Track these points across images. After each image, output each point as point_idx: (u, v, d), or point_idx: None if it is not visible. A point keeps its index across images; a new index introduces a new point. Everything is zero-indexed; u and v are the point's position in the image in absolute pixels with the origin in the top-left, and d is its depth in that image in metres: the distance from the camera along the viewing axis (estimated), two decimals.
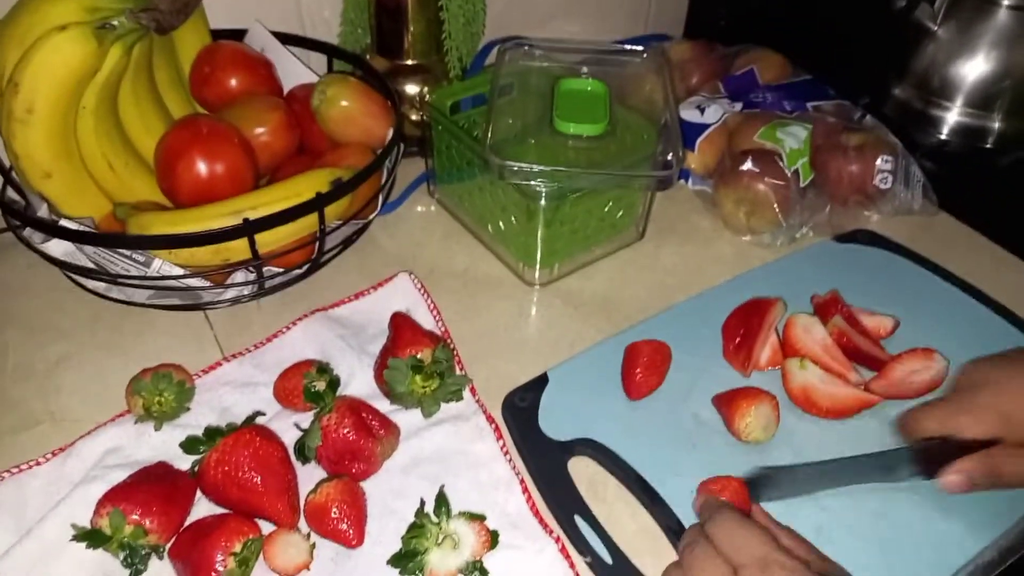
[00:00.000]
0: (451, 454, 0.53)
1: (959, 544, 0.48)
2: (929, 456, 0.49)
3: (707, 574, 0.41)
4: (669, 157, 0.62)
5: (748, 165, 0.69)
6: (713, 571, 0.41)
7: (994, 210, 0.75)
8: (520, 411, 0.55)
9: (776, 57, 0.84)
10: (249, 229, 0.53)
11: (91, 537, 0.44)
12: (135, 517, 0.45)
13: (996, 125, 0.86)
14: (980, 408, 0.48)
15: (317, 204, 0.55)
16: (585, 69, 0.71)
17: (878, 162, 0.71)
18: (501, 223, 0.67)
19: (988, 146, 0.86)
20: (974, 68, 0.86)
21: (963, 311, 0.64)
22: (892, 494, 0.50)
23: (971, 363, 0.52)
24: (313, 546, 0.47)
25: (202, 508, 0.49)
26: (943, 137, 0.88)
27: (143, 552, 0.45)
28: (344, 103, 0.65)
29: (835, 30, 0.91)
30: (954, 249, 0.71)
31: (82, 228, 0.54)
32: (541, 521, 0.49)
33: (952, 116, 0.88)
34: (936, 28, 0.87)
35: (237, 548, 0.44)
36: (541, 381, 0.57)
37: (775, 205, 0.68)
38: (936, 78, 0.89)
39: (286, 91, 0.71)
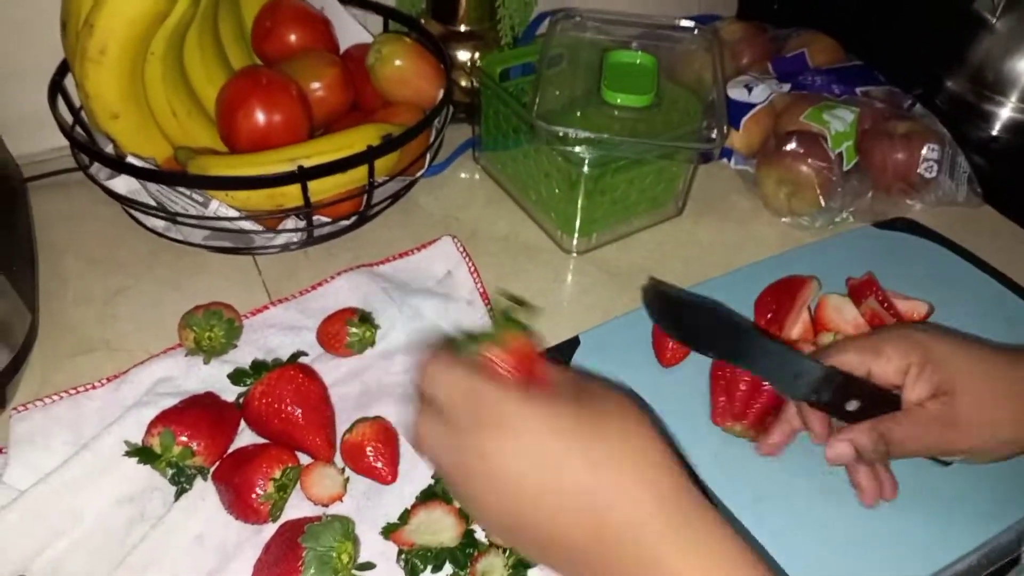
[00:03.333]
0: None
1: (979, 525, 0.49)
2: (833, 380, 0.46)
3: (429, 439, 0.36)
4: (713, 133, 0.63)
5: (792, 145, 0.69)
6: (433, 431, 0.36)
7: None
8: None
9: (828, 41, 0.84)
10: (303, 176, 0.56)
11: (142, 454, 0.47)
12: (183, 439, 0.47)
13: None
14: (905, 342, 0.46)
15: (368, 157, 0.58)
16: (635, 43, 0.71)
17: (924, 151, 0.71)
18: (543, 190, 0.69)
19: None
20: None
21: (999, 302, 0.64)
22: (911, 477, 0.50)
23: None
24: (347, 480, 0.49)
25: (245, 438, 0.51)
26: (994, 133, 0.87)
27: (189, 472, 0.48)
28: (398, 62, 0.67)
29: (890, 18, 0.90)
30: (996, 243, 0.70)
31: (147, 166, 0.57)
32: None
33: (1005, 112, 0.87)
34: (995, 21, 0.86)
35: (276, 474, 0.46)
36: (573, 343, 0.59)
37: (817, 187, 0.68)
38: (991, 72, 0.88)
39: (343, 49, 0.73)
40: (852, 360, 0.47)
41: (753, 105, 0.75)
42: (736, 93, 0.76)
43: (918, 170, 0.71)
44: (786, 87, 0.77)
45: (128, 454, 0.47)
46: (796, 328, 0.58)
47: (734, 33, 0.86)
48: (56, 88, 0.63)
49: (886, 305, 0.60)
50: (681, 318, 0.49)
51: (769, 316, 0.60)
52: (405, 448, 0.51)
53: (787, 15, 0.94)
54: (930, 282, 0.64)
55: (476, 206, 0.73)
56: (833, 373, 0.46)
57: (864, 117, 0.72)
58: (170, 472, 0.48)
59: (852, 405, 0.47)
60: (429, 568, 0.45)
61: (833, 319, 0.59)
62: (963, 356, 0.46)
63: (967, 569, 0.48)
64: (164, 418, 0.48)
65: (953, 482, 0.51)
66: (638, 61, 0.69)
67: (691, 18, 0.74)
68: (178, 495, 0.48)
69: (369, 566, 0.45)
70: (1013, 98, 0.87)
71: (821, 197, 0.69)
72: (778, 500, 0.50)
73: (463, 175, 0.77)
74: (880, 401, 0.47)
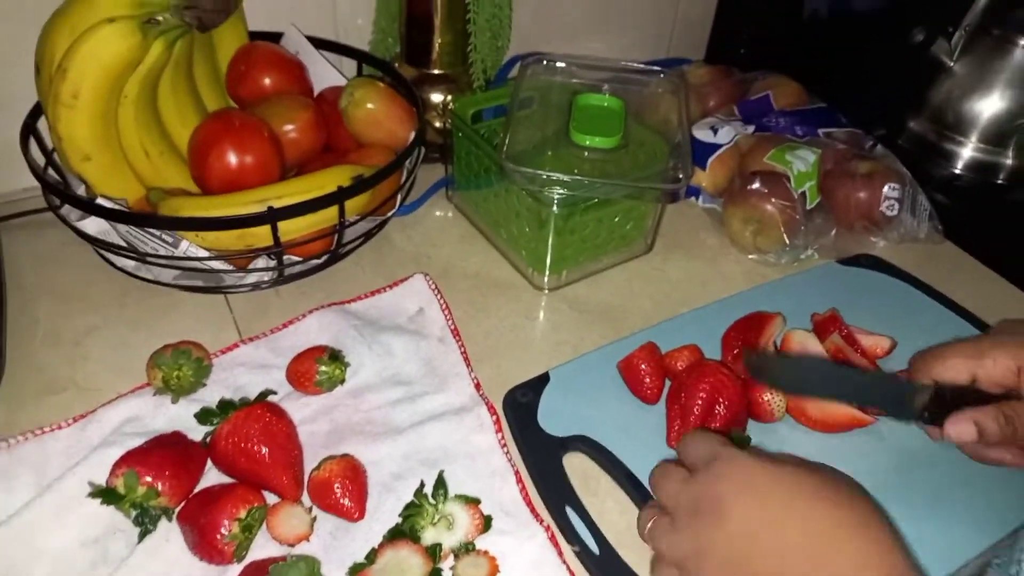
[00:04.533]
0: (452, 443, 0.55)
1: (942, 559, 0.49)
2: (942, 399, 0.47)
3: (667, 482, 0.44)
4: (679, 173, 0.65)
5: (756, 185, 0.71)
6: (672, 478, 0.44)
7: (1000, 243, 0.77)
8: (521, 406, 0.57)
9: (793, 85, 0.86)
10: (273, 217, 0.56)
11: (106, 495, 0.47)
12: (148, 479, 0.47)
13: (1009, 161, 0.88)
14: (1007, 350, 0.46)
15: (338, 197, 0.58)
16: (605, 87, 0.73)
17: (885, 189, 0.73)
18: (515, 228, 0.70)
19: (999, 181, 0.88)
20: (989, 105, 0.87)
21: (959, 335, 0.64)
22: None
23: (1005, 320, 0.51)
24: (314, 519, 0.49)
25: (211, 478, 0.51)
26: (956, 171, 0.90)
27: (153, 512, 0.48)
28: (370, 105, 0.68)
29: (853, 62, 0.93)
30: (957, 278, 0.72)
31: (117, 207, 0.57)
32: (533, 510, 0.51)
33: (966, 151, 0.90)
34: (952, 64, 0.89)
35: (242, 515, 0.46)
36: (543, 379, 0.59)
37: (781, 225, 0.70)
38: (951, 113, 0.91)
39: (316, 92, 0.74)
40: (957, 366, 0.48)
41: (719, 146, 0.77)
42: (702, 134, 0.78)
43: (880, 208, 0.73)
44: (751, 128, 0.79)
45: (92, 495, 0.47)
46: None
47: (701, 77, 0.89)
48: (28, 130, 0.63)
49: (849, 340, 0.61)
50: (785, 372, 0.51)
51: (736, 351, 0.60)
52: (373, 488, 0.51)
53: (753, 59, 0.96)
54: (893, 317, 0.65)
55: (449, 244, 0.74)
56: (939, 391, 0.47)
57: (826, 157, 0.74)
58: (134, 513, 0.47)
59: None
60: None
61: (798, 354, 0.59)
62: None
63: None
64: (129, 459, 0.48)
65: (912, 516, 0.51)
66: (606, 104, 0.71)
67: (660, 62, 0.76)
68: (142, 536, 0.47)
69: None
70: (973, 137, 0.89)
71: (785, 235, 0.70)
72: None
73: (437, 213, 0.78)
74: (990, 401, 0.47)
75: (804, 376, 0.50)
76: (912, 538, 0.49)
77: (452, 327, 0.64)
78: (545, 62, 0.75)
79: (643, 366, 0.57)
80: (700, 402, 0.53)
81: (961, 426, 0.46)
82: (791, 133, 0.79)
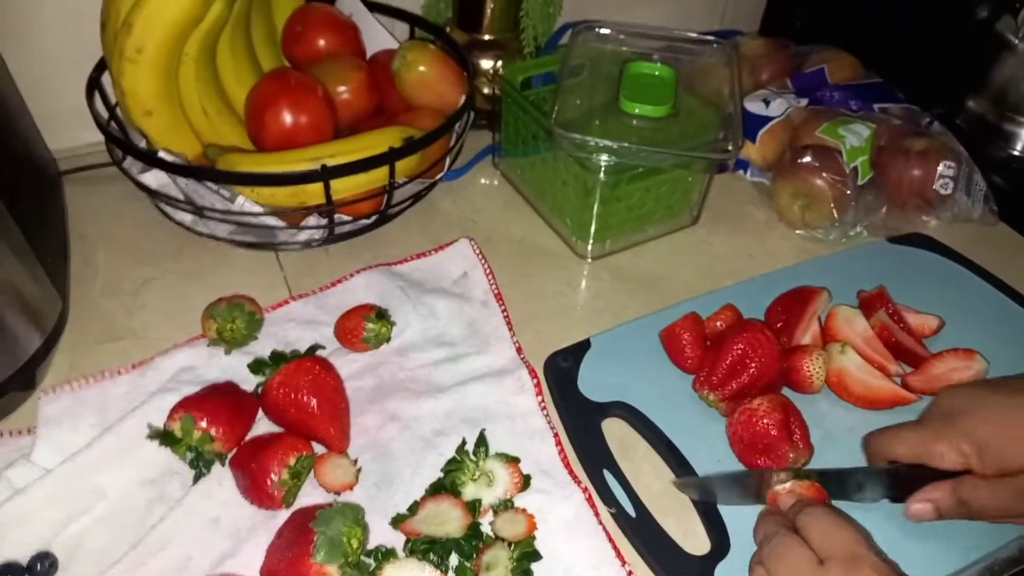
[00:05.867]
0: (492, 403, 0.56)
1: (978, 540, 0.49)
2: (898, 480, 0.48)
3: (793, 562, 0.42)
4: (728, 144, 0.64)
5: (807, 159, 0.70)
6: (798, 559, 0.42)
7: None
8: (561, 371, 0.58)
9: (848, 59, 0.84)
10: (326, 175, 0.57)
11: (164, 437, 0.49)
12: (203, 424, 0.49)
13: None
14: (955, 436, 0.46)
15: (389, 158, 0.59)
16: (655, 56, 0.73)
17: (940, 167, 0.71)
18: (560, 196, 0.70)
19: None
20: None
21: (1011, 319, 0.64)
22: (865, 514, 0.49)
23: (948, 389, 0.50)
24: (359, 470, 0.50)
25: (262, 427, 0.53)
26: (1015, 152, 0.87)
27: (208, 456, 0.50)
28: (422, 68, 0.68)
29: (912, 37, 0.90)
30: (1011, 261, 0.71)
31: (178, 161, 0.59)
32: (571, 471, 0.52)
33: None
34: (1017, 42, 0.86)
35: (291, 462, 0.48)
36: (583, 346, 0.60)
37: (831, 200, 0.69)
38: (1013, 93, 0.88)
39: (369, 54, 0.75)
40: (906, 456, 0.48)
41: (770, 118, 0.76)
42: (754, 106, 0.77)
43: (934, 186, 0.72)
44: (804, 102, 0.78)
45: (150, 437, 0.49)
46: (805, 339, 0.59)
47: (755, 49, 0.87)
48: (94, 85, 0.65)
49: (896, 318, 0.60)
50: (718, 491, 0.51)
51: (779, 325, 0.60)
52: (416, 443, 0.52)
53: (809, 32, 0.94)
54: (942, 298, 0.64)
55: (494, 210, 0.75)
56: (893, 473, 0.48)
57: (881, 133, 0.73)
58: (189, 456, 0.49)
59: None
60: (435, 557, 0.46)
61: (843, 330, 0.59)
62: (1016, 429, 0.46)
63: None
64: (185, 404, 0.50)
65: None
66: (657, 73, 0.70)
67: (713, 33, 0.75)
68: (196, 479, 0.50)
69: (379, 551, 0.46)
70: None
71: (835, 210, 0.69)
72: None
73: (482, 180, 0.79)
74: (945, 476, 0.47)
75: (735, 489, 0.50)
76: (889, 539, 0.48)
77: (495, 291, 0.64)
78: (596, 30, 0.75)
79: (685, 335, 0.57)
80: (733, 356, 0.54)
81: (919, 508, 0.47)
82: (845, 107, 0.77)
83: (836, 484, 0.49)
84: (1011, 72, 0.88)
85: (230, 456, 0.50)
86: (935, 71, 0.91)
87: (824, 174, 0.69)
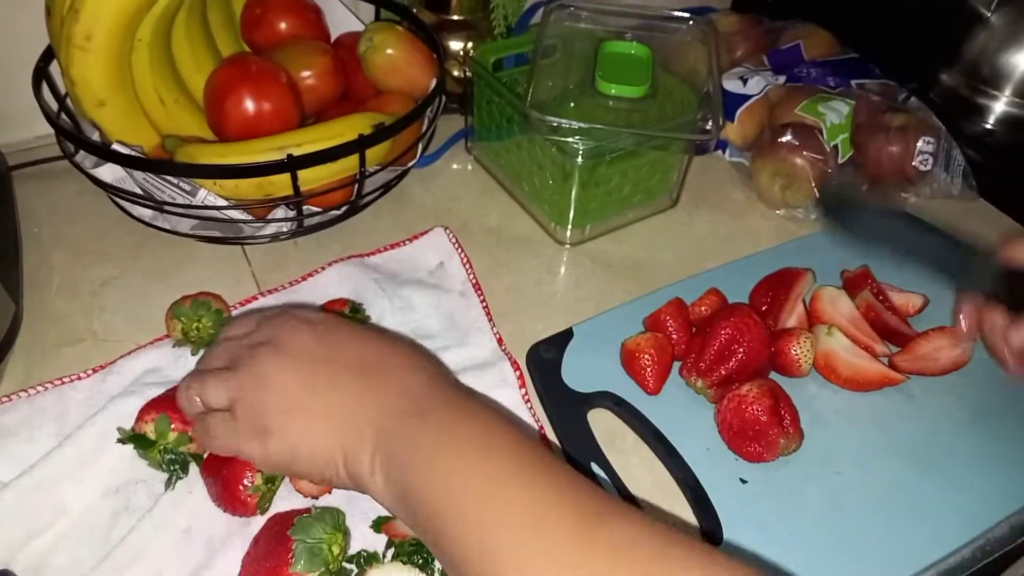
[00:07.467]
0: None
1: (970, 521, 0.48)
2: (1016, 280, 0.46)
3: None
4: (708, 124, 0.63)
5: (787, 137, 0.68)
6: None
7: None
8: (544, 362, 0.56)
9: (823, 34, 0.83)
10: (292, 165, 0.55)
11: (137, 441, 0.46)
12: (179, 424, 0.46)
13: None
14: None
15: (359, 145, 0.57)
16: (630, 34, 0.71)
17: (919, 143, 0.70)
18: (537, 181, 0.68)
19: None
20: None
21: None
22: (906, 471, 0.50)
23: None
24: None
25: None
26: (989, 126, 0.87)
27: (184, 459, 0.47)
28: (390, 51, 0.66)
29: (886, 11, 0.90)
30: (990, 236, 0.70)
31: (134, 154, 0.56)
32: None
33: (999, 106, 0.87)
34: (990, 15, 0.86)
35: None
36: (566, 335, 0.58)
37: (811, 179, 0.68)
38: (986, 67, 0.88)
39: (334, 38, 0.72)
40: None
41: (748, 97, 0.75)
42: (731, 85, 0.76)
43: (913, 163, 0.71)
44: (781, 79, 0.77)
45: (121, 441, 0.47)
46: (791, 322, 0.58)
47: (729, 25, 0.86)
48: (41, 75, 0.62)
49: (881, 298, 0.59)
50: (857, 218, 0.48)
51: (764, 308, 0.59)
52: None
53: (782, 7, 0.93)
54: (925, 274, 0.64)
55: (469, 197, 0.72)
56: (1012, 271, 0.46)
57: (859, 110, 0.72)
58: (166, 458, 0.47)
59: None
60: (421, 560, 0.45)
61: (828, 311, 0.58)
62: None
63: (960, 563, 0.47)
64: (156, 404, 0.47)
65: (941, 478, 0.51)
66: (633, 52, 0.69)
67: (686, 10, 0.73)
68: (171, 484, 0.47)
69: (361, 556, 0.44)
70: (1008, 92, 0.87)
71: (816, 190, 0.68)
72: (770, 499, 0.49)
73: (455, 166, 0.76)
74: None
75: (878, 225, 0.48)
76: (942, 498, 0.49)
77: (473, 281, 0.62)
78: (569, 8, 0.72)
79: (670, 322, 0.56)
80: (720, 342, 0.53)
81: None
82: (823, 84, 0.76)
83: (946, 250, 0.48)
84: (983, 45, 0.88)
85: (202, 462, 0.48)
86: (908, 45, 0.90)
87: (805, 153, 0.68)
